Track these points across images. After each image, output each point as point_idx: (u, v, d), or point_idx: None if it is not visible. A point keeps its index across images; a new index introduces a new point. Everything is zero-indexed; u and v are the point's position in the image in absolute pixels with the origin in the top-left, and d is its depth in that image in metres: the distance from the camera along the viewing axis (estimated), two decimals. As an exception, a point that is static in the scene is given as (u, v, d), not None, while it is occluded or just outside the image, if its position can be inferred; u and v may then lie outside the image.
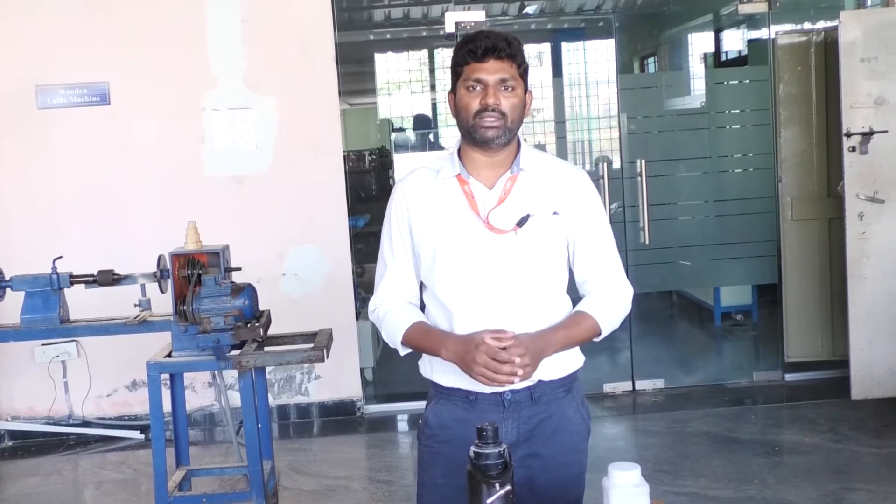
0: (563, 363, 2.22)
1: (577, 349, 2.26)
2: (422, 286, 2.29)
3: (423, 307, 2.30)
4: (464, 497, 2.16)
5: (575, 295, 2.27)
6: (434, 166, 2.24)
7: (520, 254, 2.14)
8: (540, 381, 2.17)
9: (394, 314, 2.25)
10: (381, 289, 2.29)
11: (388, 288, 2.28)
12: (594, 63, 7.87)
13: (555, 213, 2.17)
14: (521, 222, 2.14)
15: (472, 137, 2.14)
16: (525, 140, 2.29)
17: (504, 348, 2.02)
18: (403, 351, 2.26)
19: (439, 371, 2.21)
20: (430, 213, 2.20)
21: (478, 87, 2.11)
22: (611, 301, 2.22)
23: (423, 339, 2.19)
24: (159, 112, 5.30)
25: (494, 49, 2.08)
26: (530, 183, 2.18)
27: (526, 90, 2.18)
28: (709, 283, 6.78)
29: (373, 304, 2.31)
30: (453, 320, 2.16)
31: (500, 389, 2.13)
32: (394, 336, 2.24)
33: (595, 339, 2.22)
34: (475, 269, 2.15)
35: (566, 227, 2.19)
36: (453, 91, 2.18)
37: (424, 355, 2.27)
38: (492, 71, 2.09)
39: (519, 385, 2.13)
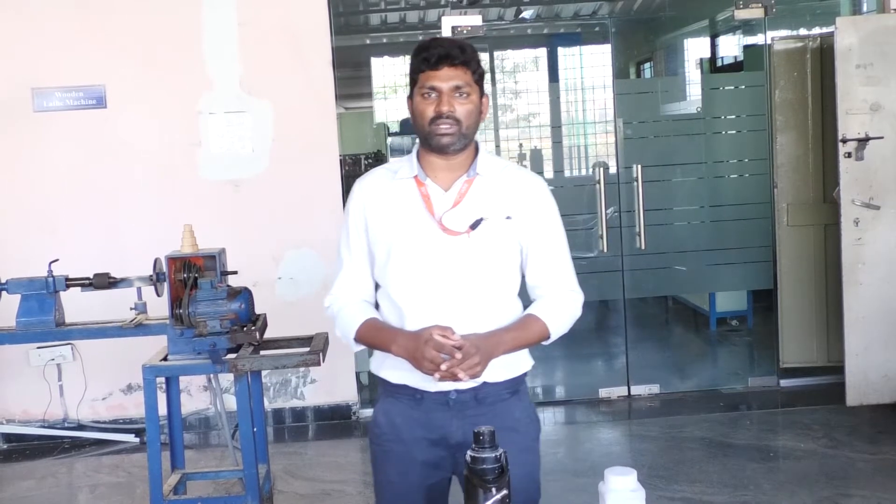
0: (510, 366, 2.25)
1: (526, 353, 2.31)
2: (377, 285, 2.32)
3: (377, 306, 2.33)
4: (417, 493, 2.22)
5: (527, 299, 2.31)
6: (393, 167, 2.30)
7: (472, 256, 2.18)
8: (485, 383, 2.20)
9: (347, 311, 2.29)
10: (337, 286, 2.34)
11: (344, 285, 2.33)
12: (590, 68, 7.88)
13: (508, 218, 2.21)
14: (475, 225, 2.18)
15: (428, 143, 2.19)
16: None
17: (457, 347, 2.06)
18: (356, 347, 2.31)
19: (389, 367, 2.25)
20: (386, 212, 2.24)
21: (433, 95, 2.15)
22: (561, 306, 2.27)
23: (375, 336, 2.24)
24: (155, 115, 5.30)
25: (448, 56, 2.13)
26: (486, 187, 2.23)
27: (481, 95, 2.22)
28: (704, 289, 6.79)
29: (327, 300, 2.36)
30: (405, 320, 2.20)
31: (446, 388, 2.17)
32: (347, 332, 2.28)
33: (543, 343, 2.27)
34: (428, 270, 2.19)
35: (519, 231, 2.23)
36: (411, 97, 2.22)
37: (376, 352, 2.31)
38: (445, 78, 2.14)
39: (464, 385, 2.16)
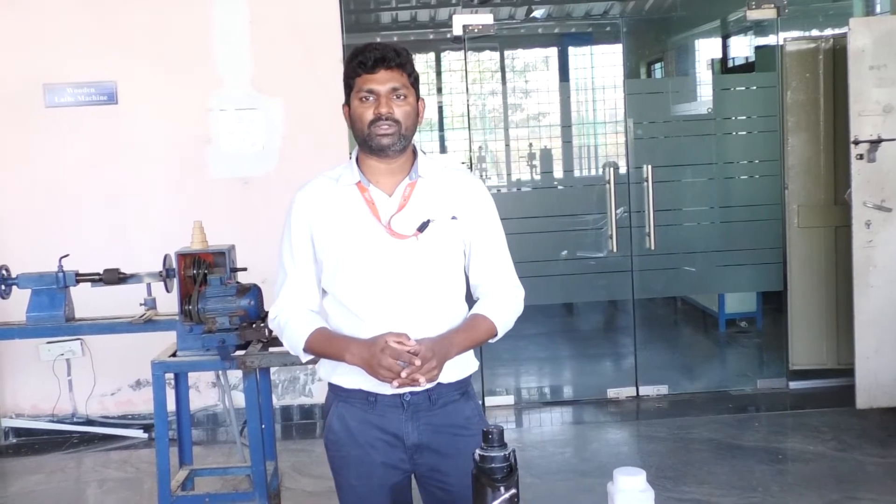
0: (460, 367, 2.28)
1: (472, 354, 2.33)
2: (325, 292, 2.32)
3: (324, 314, 2.33)
4: (379, 494, 2.25)
5: (471, 300, 2.33)
6: (333, 174, 2.30)
7: (422, 258, 2.20)
8: (439, 384, 2.22)
9: (295, 321, 2.28)
10: (282, 297, 2.32)
11: (289, 296, 2.31)
12: (601, 68, 7.87)
13: (453, 218, 2.24)
14: (422, 227, 2.20)
15: (368, 146, 2.21)
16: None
17: (413, 353, 2.08)
18: (305, 358, 2.30)
19: (341, 373, 2.25)
20: (331, 220, 2.24)
21: (371, 98, 2.18)
22: (505, 302, 2.31)
23: (327, 346, 2.23)
24: (166, 112, 5.32)
25: (384, 60, 2.16)
26: (429, 189, 2.25)
27: (418, 98, 2.24)
28: (714, 290, 6.77)
29: (273, 311, 2.34)
30: (359, 326, 2.20)
31: (402, 391, 2.18)
32: (296, 343, 2.27)
33: (491, 341, 2.31)
34: (378, 275, 2.19)
35: (464, 231, 2.26)
36: (347, 103, 2.24)
37: (325, 359, 2.30)
38: (383, 81, 2.16)
39: (418, 388, 2.17)
